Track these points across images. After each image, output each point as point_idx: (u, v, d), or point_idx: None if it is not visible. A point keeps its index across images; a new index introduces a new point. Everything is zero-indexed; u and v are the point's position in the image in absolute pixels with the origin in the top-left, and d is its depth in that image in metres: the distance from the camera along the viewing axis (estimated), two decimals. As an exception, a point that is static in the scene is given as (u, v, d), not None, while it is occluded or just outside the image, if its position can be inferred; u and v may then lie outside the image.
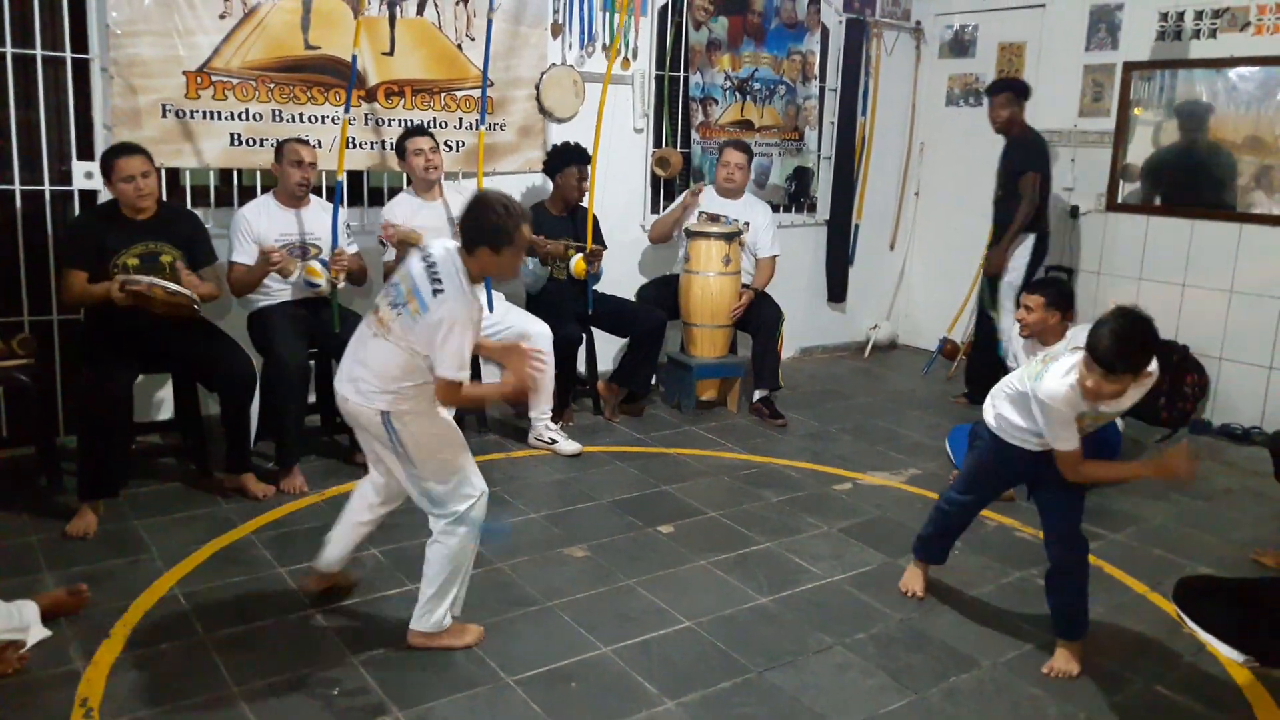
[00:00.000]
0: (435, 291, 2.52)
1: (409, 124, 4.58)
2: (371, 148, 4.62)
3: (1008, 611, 3.12)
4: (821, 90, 6.24)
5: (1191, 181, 5.33)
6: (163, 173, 3.99)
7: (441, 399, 2.63)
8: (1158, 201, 5.46)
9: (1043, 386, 2.65)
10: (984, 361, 5.32)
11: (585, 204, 4.83)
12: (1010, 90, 5.15)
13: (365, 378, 2.65)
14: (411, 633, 2.76)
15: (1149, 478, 2.84)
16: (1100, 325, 2.50)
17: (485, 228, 2.54)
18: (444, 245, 2.64)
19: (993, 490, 3.13)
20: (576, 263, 4.66)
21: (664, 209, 5.50)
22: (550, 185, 4.91)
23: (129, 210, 3.61)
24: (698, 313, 5.03)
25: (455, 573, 2.74)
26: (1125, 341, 2.46)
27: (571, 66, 5.14)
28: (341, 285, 4.07)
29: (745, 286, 5.14)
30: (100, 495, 3.47)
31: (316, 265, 3.98)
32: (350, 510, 2.97)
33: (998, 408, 2.92)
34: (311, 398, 4.26)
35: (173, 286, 3.46)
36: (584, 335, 4.85)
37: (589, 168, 4.75)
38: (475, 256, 2.57)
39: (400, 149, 4.37)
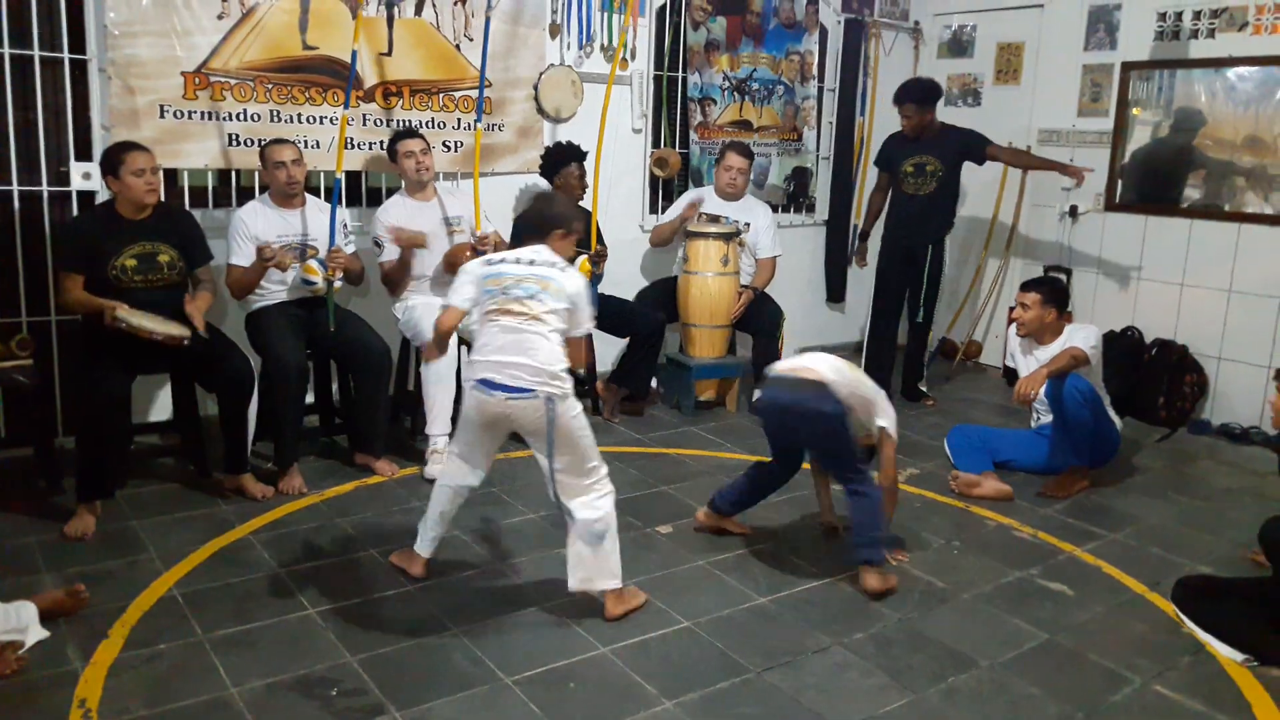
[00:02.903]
0: (562, 269, 2.93)
1: (407, 124, 4.58)
2: (370, 148, 4.62)
3: (1006, 611, 3.12)
4: (820, 90, 6.25)
5: (1162, 178, 5.41)
6: (160, 173, 3.98)
7: (576, 354, 2.95)
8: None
9: None
10: (886, 354, 5.50)
11: (585, 204, 4.83)
12: (912, 101, 5.17)
13: (526, 368, 2.81)
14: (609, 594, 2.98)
15: None
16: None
17: (552, 218, 3.04)
18: (518, 252, 3.00)
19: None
20: (581, 264, 4.66)
21: (663, 209, 5.49)
22: (548, 186, 4.91)
23: (129, 208, 3.60)
24: (696, 313, 5.03)
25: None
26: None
27: (570, 67, 5.14)
28: (339, 284, 4.07)
29: (745, 287, 5.14)
30: (98, 496, 3.47)
31: (313, 263, 3.98)
32: (439, 504, 3.15)
33: None
34: (310, 398, 4.26)
35: (161, 333, 3.43)
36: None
37: (586, 164, 4.76)
38: (548, 242, 3.00)
39: (391, 151, 4.36)
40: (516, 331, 2.84)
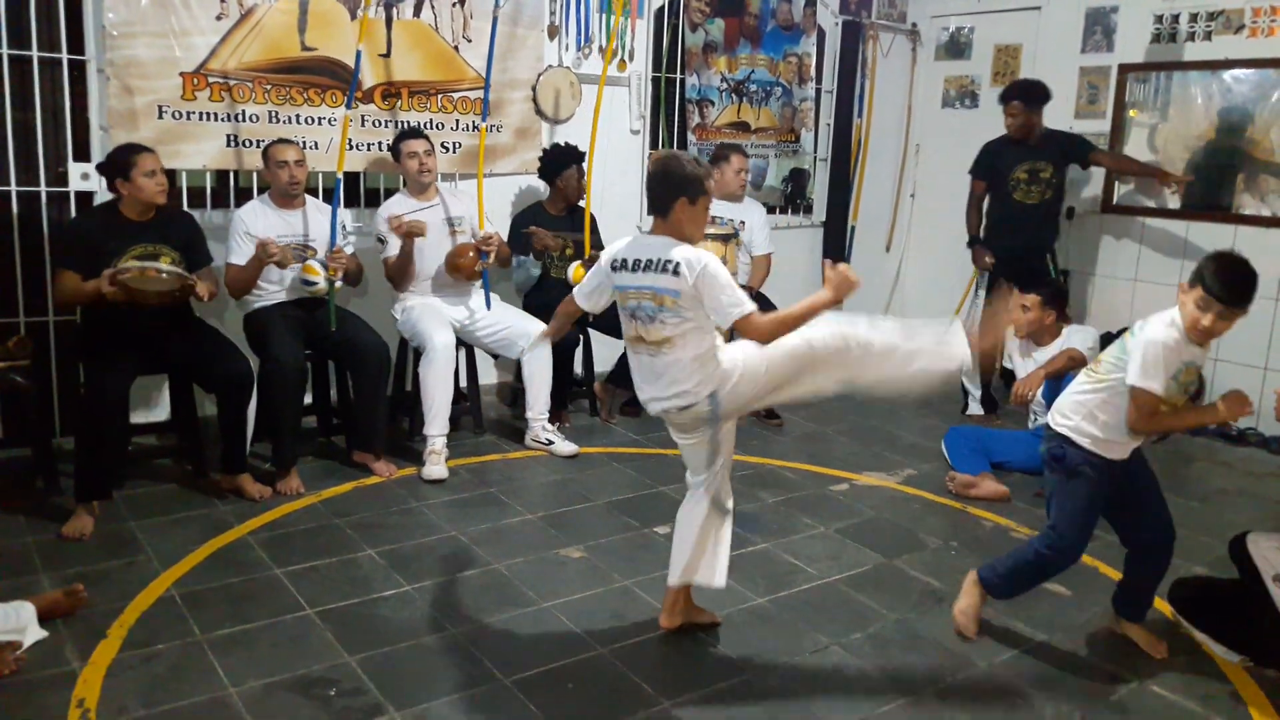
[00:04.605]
0: (674, 271, 2.49)
1: (406, 125, 4.59)
2: (369, 148, 4.62)
3: (1003, 612, 3.12)
4: (818, 92, 6.26)
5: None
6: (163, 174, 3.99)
7: (760, 336, 2.57)
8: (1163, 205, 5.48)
9: (1148, 334, 2.64)
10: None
11: (583, 204, 4.84)
12: (1019, 98, 5.05)
13: (680, 386, 2.61)
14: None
15: (1216, 423, 2.81)
16: (1209, 265, 2.57)
17: (679, 179, 2.53)
18: (627, 240, 2.64)
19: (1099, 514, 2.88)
20: (575, 270, 4.66)
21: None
22: (545, 186, 4.91)
23: (135, 210, 3.60)
24: (694, 314, 5.03)
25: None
26: (1242, 274, 2.55)
27: (568, 68, 5.15)
28: (339, 284, 4.07)
29: (742, 286, 5.14)
30: (96, 496, 3.46)
31: (314, 263, 3.98)
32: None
33: (1084, 430, 2.74)
34: (308, 399, 4.26)
35: (166, 268, 3.44)
36: (581, 336, 4.86)
37: (584, 165, 4.77)
38: (671, 219, 2.55)
39: (395, 151, 4.37)
40: (652, 363, 2.63)
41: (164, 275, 3.44)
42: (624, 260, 2.61)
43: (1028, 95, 5.06)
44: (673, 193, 2.53)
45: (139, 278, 3.40)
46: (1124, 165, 5.33)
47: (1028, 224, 5.17)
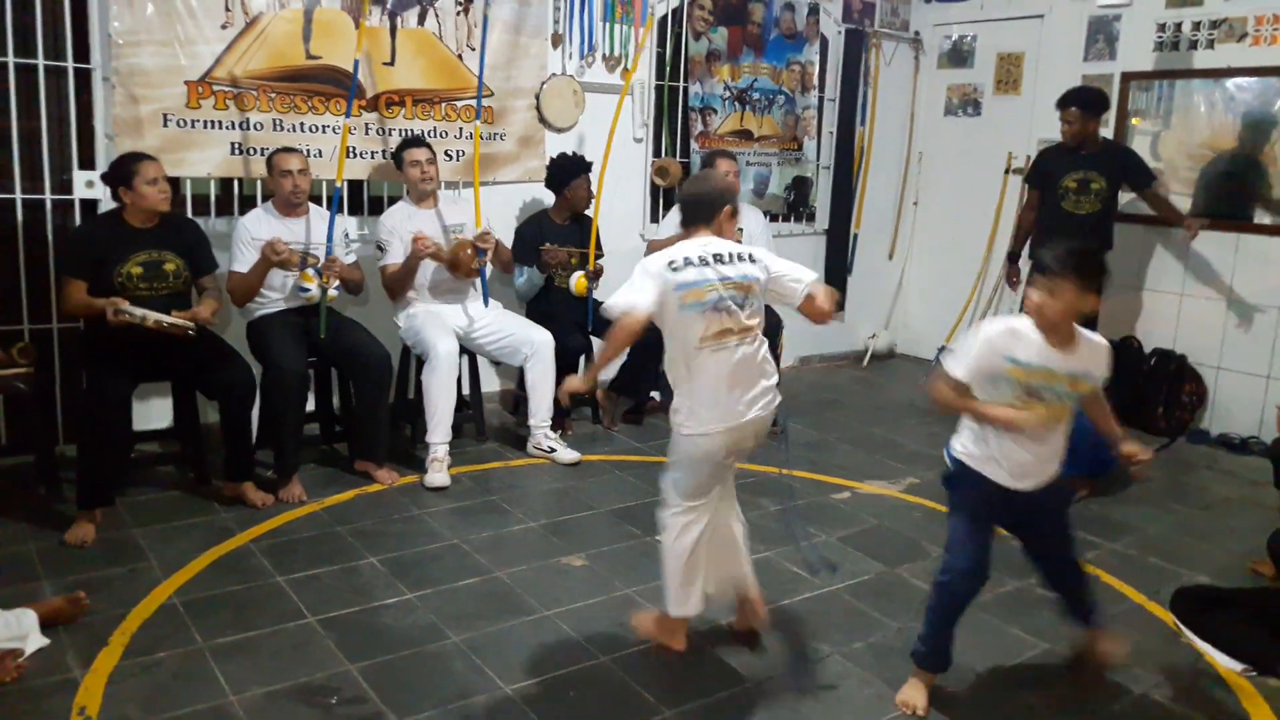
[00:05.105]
0: (752, 259, 2.69)
1: (409, 133, 4.60)
2: (372, 156, 4.63)
3: (1004, 621, 3.12)
4: (820, 100, 6.26)
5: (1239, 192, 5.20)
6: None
7: (825, 304, 2.75)
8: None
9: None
10: None
11: (589, 212, 4.85)
12: (1077, 105, 4.93)
13: (769, 381, 2.75)
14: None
15: (998, 423, 2.48)
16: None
17: (724, 189, 2.78)
18: (681, 244, 2.71)
19: (989, 533, 2.69)
20: (578, 281, 4.66)
21: (663, 217, 5.50)
22: (551, 196, 4.92)
23: (139, 217, 3.61)
24: (697, 322, 5.02)
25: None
26: (1072, 249, 2.43)
27: (571, 77, 5.16)
28: (334, 293, 4.07)
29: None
30: (99, 504, 3.47)
31: (309, 271, 3.99)
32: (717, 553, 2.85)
33: (970, 450, 2.60)
34: (310, 406, 4.27)
35: (167, 320, 3.47)
36: (585, 343, 4.85)
37: (591, 175, 4.78)
38: (714, 224, 2.73)
39: (398, 159, 4.39)
40: (745, 357, 2.67)
41: (165, 326, 3.47)
42: (695, 258, 2.62)
43: (1085, 103, 4.93)
44: (720, 201, 2.74)
45: (140, 322, 3.41)
46: (1163, 210, 5.14)
47: (1074, 234, 4.93)
